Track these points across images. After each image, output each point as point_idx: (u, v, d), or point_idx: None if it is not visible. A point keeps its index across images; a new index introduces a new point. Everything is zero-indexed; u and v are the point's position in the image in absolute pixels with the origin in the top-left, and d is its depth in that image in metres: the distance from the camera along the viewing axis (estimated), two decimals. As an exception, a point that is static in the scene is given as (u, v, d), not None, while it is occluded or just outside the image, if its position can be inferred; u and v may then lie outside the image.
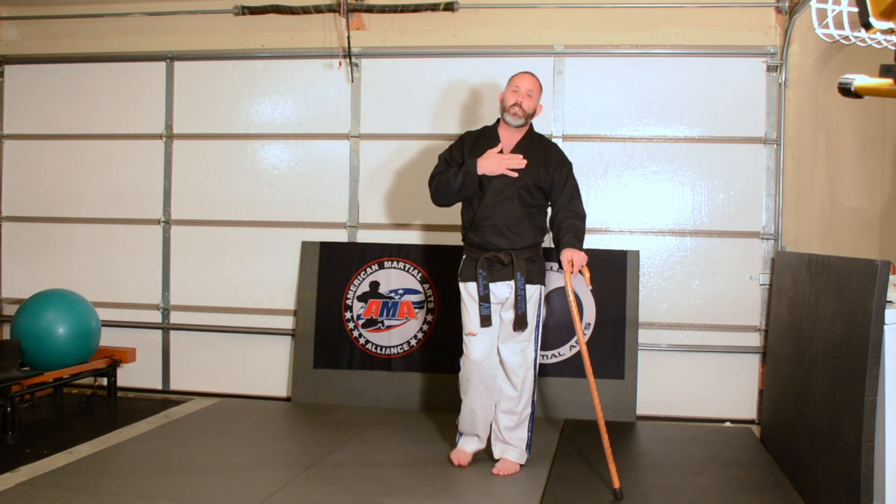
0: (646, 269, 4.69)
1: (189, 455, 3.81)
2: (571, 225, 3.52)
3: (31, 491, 3.26)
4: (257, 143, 5.07)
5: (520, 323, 3.48)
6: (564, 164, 3.63)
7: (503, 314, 3.55)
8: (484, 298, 3.50)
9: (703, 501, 3.27)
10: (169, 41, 5.12)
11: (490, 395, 3.58)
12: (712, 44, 4.62)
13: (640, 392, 4.57)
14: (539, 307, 3.60)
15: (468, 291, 3.57)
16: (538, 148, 3.60)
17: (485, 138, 3.64)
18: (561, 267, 3.48)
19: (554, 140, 4.72)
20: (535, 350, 3.62)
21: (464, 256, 3.64)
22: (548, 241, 3.71)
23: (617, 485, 3.29)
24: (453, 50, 4.83)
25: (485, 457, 3.75)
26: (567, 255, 3.44)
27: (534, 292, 3.55)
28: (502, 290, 3.53)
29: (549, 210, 3.67)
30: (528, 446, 3.65)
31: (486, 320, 3.50)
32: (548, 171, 3.57)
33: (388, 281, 4.81)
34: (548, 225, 3.68)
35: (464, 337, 3.59)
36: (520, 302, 3.47)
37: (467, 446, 3.70)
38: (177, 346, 5.15)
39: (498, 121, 3.66)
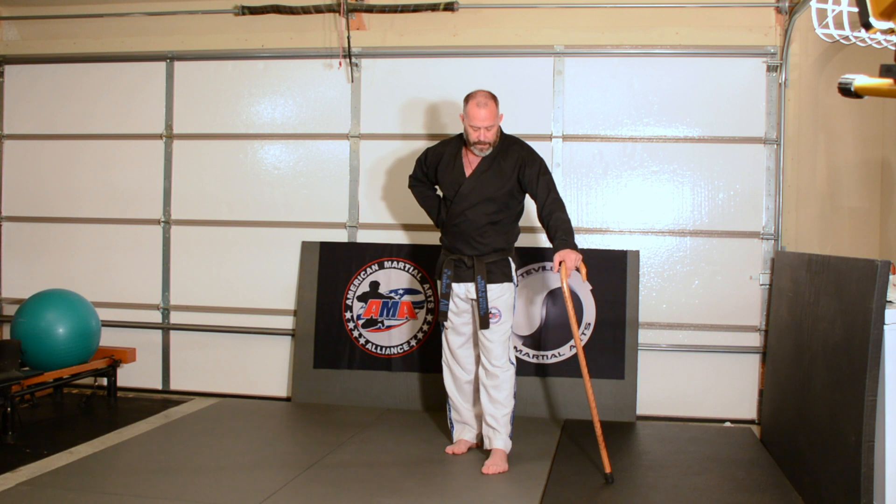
0: (646, 269, 4.69)
1: (189, 455, 3.81)
2: (557, 220, 3.62)
3: (31, 491, 3.26)
4: (257, 143, 5.07)
5: (482, 322, 3.65)
6: (534, 161, 3.71)
7: (474, 310, 3.78)
8: (444, 296, 3.74)
9: (703, 501, 3.27)
10: (169, 41, 5.12)
11: (463, 384, 3.86)
12: (712, 44, 4.62)
13: (640, 392, 4.57)
14: (513, 304, 3.77)
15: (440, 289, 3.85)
16: (502, 159, 3.71)
17: (452, 159, 3.78)
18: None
19: (554, 140, 4.72)
20: (511, 344, 3.78)
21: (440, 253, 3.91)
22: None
23: (608, 469, 3.47)
24: (453, 50, 4.83)
25: (485, 457, 3.75)
26: (559, 256, 3.56)
27: (503, 291, 3.71)
28: (467, 290, 3.75)
29: (522, 210, 3.90)
30: (511, 437, 3.75)
31: (443, 315, 3.78)
32: (511, 178, 3.70)
33: (388, 281, 4.81)
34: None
35: (443, 330, 3.88)
36: (481, 303, 3.65)
37: (462, 435, 3.91)
38: (177, 346, 5.15)
39: (461, 136, 3.80)
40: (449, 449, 3.86)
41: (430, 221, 4.10)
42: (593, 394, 3.55)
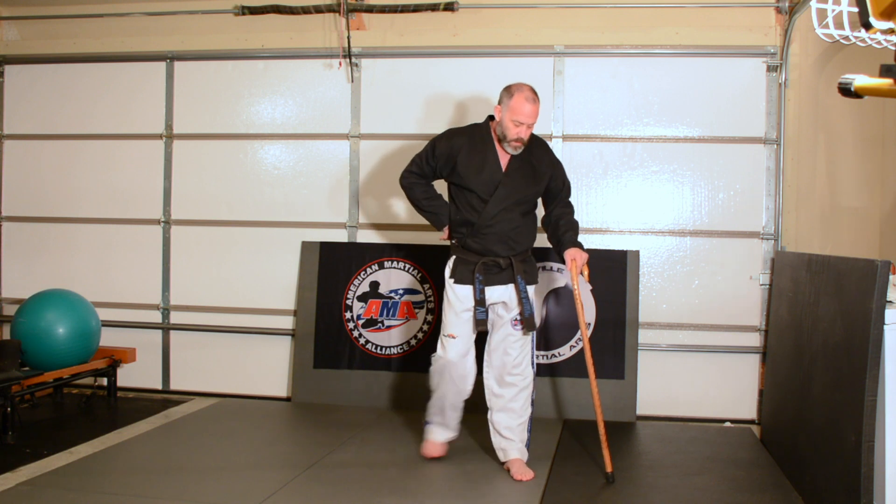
0: (646, 269, 4.69)
1: (189, 455, 3.81)
2: (569, 223, 3.61)
3: (31, 491, 3.26)
4: (257, 143, 5.07)
5: (528, 325, 3.49)
6: (558, 165, 3.67)
7: (500, 315, 3.56)
8: (480, 302, 3.48)
9: (703, 501, 3.27)
10: (169, 41, 5.12)
11: (460, 394, 3.64)
12: (712, 44, 4.62)
13: (640, 392, 4.57)
14: (536, 305, 3.67)
15: (458, 294, 3.52)
16: (531, 157, 3.57)
17: (479, 154, 3.50)
18: (564, 264, 3.60)
19: (554, 140, 4.73)
20: (534, 348, 3.65)
21: (454, 257, 3.59)
22: (541, 241, 3.75)
23: (609, 469, 3.46)
24: (453, 50, 4.83)
25: (488, 458, 3.74)
26: (570, 254, 3.54)
27: (531, 292, 3.59)
28: (500, 293, 3.53)
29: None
30: (528, 445, 3.65)
31: (482, 324, 3.50)
32: (543, 181, 3.60)
33: (388, 281, 4.81)
34: (540, 223, 3.72)
35: (442, 337, 3.60)
36: (525, 305, 3.48)
37: (438, 436, 3.74)
38: (177, 346, 5.14)
39: (488, 125, 3.56)
40: (426, 452, 3.71)
41: (425, 220, 3.84)
42: (598, 394, 3.53)
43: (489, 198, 3.48)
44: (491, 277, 3.51)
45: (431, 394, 3.73)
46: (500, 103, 3.47)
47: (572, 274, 3.53)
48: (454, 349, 3.55)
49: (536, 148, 3.61)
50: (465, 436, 3.95)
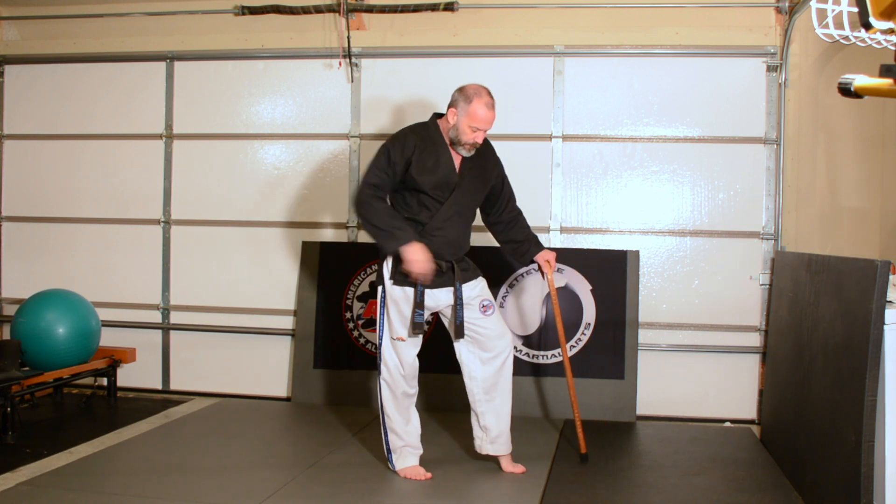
0: (646, 269, 4.69)
1: (189, 455, 3.81)
2: (526, 225, 3.71)
3: (31, 491, 3.26)
4: (257, 143, 5.07)
5: (459, 332, 3.44)
6: (500, 164, 3.66)
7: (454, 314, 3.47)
8: (419, 305, 3.37)
9: (703, 501, 3.27)
10: (169, 41, 5.12)
11: (410, 398, 3.54)
12: (712, 44, 4.62)
13: (640, 392, 4.57)
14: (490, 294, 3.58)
15: (406, 295, 3.40)
16: (479, 159, 3.51)
17: (432, 154, 3.39)
18: (539, 269, 3.75)
19: (554, 140, 4.73)
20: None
21: (391, 257, 3.39)
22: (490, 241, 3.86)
23: (584, 451, 3.71)
24: (453, 50, 4.83)
25: (487, 458, 3.74)
26: (544, 255, 3.68)
27: (476, 284, 3.51)
28: (444, 297, 3.45)
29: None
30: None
31: (419, 327, 3.39)
32: (490, 182, 3.59)
33: (388, 281, 4.81)
34: (485, 224, 3.73)
35: (388, 343, 3.45)
36: (458, 311, 3.43)
37: (416, 461, 3.54)
38: (177, 346, 5.15)
39: (437, 124, 3.47)
40: (412, 475, 3.49)
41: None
42: (574, 381, 3.78)
43: (444, 200, 3.41)
44: (433, 280, 3.38)
45: (384, 423, 3.53)
46: (453, 105, 3.38)
47: (549, 277, 3.68)
48: (406, 352, 3.46)
49: (483, 147, 3.52)
50: (463, 436, 3.95)
